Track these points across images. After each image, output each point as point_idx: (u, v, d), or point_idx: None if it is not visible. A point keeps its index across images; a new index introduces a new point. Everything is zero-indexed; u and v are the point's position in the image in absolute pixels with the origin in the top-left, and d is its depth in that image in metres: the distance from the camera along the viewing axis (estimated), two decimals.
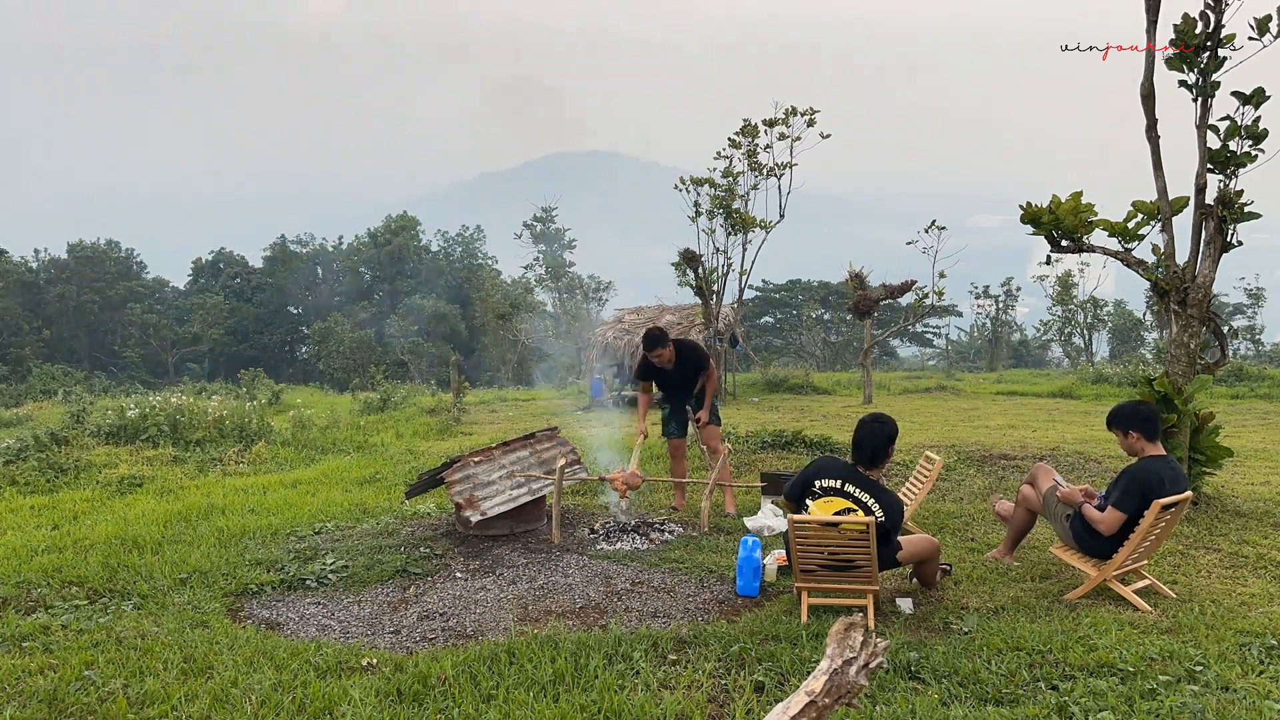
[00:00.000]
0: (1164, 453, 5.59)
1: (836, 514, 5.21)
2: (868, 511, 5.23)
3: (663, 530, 7.53)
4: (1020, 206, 8.05)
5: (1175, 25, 7.23)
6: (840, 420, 15.44)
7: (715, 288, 21.36)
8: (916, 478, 7.60)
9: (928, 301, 22.16)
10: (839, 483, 5.36)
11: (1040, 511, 6.08)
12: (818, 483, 5.42)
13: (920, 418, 15.95)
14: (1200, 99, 7.28)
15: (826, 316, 50.12)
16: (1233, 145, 7.27)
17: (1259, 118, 7.19)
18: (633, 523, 7.67)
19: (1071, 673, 4.29)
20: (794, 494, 5.56)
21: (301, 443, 13.97)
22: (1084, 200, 7.65)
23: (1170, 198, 7.50)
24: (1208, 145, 7.31)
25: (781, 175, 21.17)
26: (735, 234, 21.28)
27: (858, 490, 5.31)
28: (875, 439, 5.45)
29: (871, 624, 5.07)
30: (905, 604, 5.42)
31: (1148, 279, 7.67)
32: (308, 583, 6.31)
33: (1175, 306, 7.52)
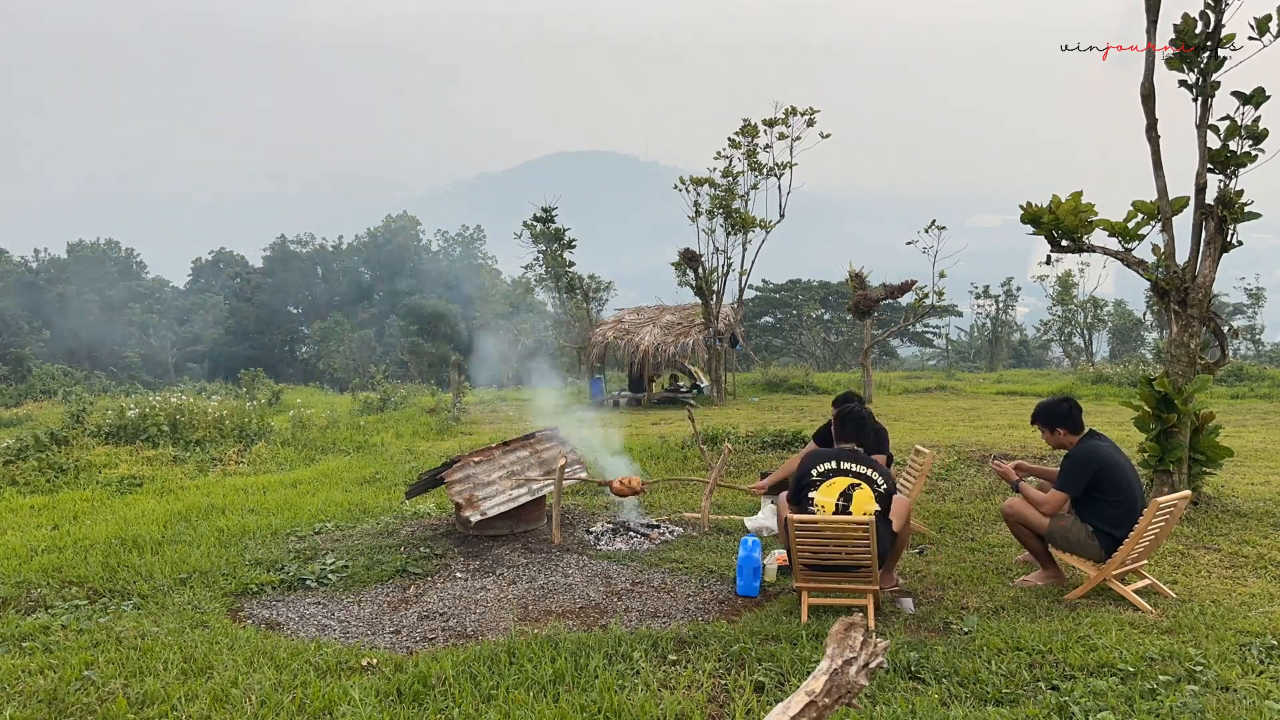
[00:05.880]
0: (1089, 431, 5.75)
1: (842, 493, 5.27)
2: (869, 482, 5.29)
3: (663, 530, 7.53)
4: (1020, 206, 8.05)
5: (1175, 25, 7.23)
6: None
7: (715, 288, 21.37)
8: (909, 473, 7.62)
9: (928, 301, 22.16)
10: (834, 463, 5.38)
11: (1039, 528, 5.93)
12: (814, 471, 5.40)
13: (920, 418, 15.95)
14: (1200, 99, 7.28)
15: (826, 316, 50.10)
16: (1233, 145, 7.27)
17: (1259, 118, 7.19)
18: (632, 522, 7.67)
19: (1071, 673, 4.29)
20: (794, 496, 5.55)
21: (301, 443, 13.97)
22: (1084, 200, 7.66)
23: (1170, 198, 7.50)
24: (1208, 145, 7.31)
25: (781, 175, 21.19)
26: (735, 234, 21.30)
27: (854, 465, 5.37)
28: (857, 418, 5.63)
29: (871, 624, 5.07)
30: (906, 604, 5.42)
31: (1148, 279, 7.67)
32: (308, 583, 6.31)
33: (1175, 306, 7.52)
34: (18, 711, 4.09)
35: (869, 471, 5.35)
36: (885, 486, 5.34)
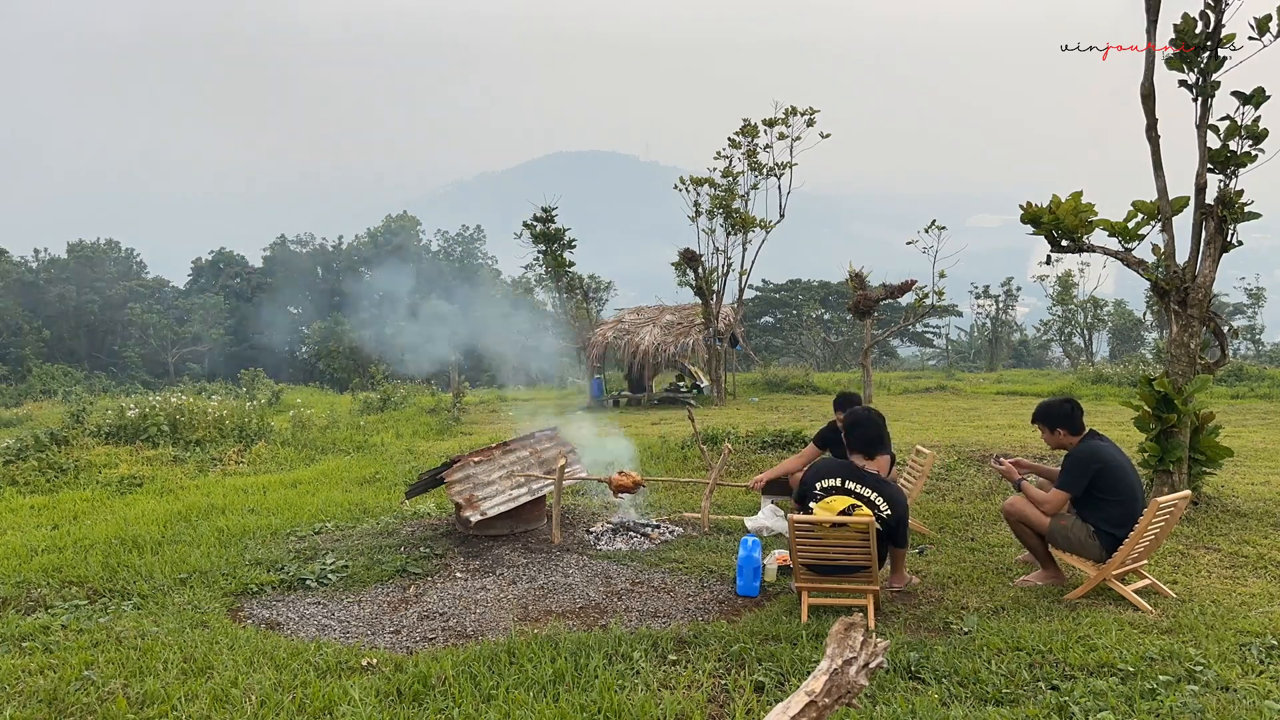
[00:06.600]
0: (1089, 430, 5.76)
1: (841, 513, 5.19)
2: (871, 506, 5.23)
3: (663, 530, 7.53)
4: (1020, 206, 8.05)
5: (1175, 25, 7.23)
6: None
7: (715, 288, 21.37)
8: (910, 473, 7.63)
9: (928, 301, 22.14)
10: (839, 481, 5.36)
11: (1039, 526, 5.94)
12: (818, 485, 5.41)
13: (920, 417, 15.95)
14: (1200, 99, 7.28)
15: (826, 316, 50.09)
16: (1233, 145, 7.27)
17: (1259, 118, 7.19)
18: (632, 522, 7.67)
19: (1071, 673, 4.29)
20: (797, 499, 5.57)
21: (301, 443, 13.97)
22: (1084, 200, 7.65)
23: (1170, 198, 7.50)
24: (1208, 145, 7.31)
25: (781, 175, 21.20)
26: (735, 234, 21.30)
27: (859, 486, 5.31)
28: (872, 426, 5.53)
29: (871, 624, 5.07)
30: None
31: (1148, 279, 7.67)
32: (308, 583, 6.31)
33: (1175, 306, 7.52)
34: (18, 711, 4.09)
35: (873, 495, 5.26)
36: (889, 514, 5.22)
